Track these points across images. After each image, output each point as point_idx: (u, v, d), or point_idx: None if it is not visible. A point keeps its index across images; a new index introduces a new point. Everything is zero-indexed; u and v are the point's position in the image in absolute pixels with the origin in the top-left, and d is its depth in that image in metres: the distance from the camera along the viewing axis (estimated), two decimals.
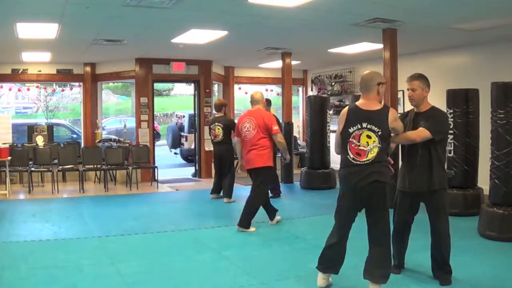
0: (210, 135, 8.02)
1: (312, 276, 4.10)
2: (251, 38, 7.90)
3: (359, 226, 3.71)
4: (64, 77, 10.63)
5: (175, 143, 14.17)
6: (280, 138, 5.92)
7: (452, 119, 6.35)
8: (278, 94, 11.88)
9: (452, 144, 6.42)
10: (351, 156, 3.57)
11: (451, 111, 6.42)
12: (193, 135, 11.41)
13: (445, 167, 4.23)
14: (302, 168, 9.38)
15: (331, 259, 3.76)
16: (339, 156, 3.76)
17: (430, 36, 7.54)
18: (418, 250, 4.29)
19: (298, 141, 12.30)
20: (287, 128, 9.47)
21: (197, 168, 10.86)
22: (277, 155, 7.36)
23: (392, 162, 3.79)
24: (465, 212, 6.22)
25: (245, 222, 5.75)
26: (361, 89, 3.71)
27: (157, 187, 9.29)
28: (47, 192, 8.64)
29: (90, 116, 10.63)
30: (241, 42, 8.26)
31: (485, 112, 6.08)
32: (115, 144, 9.83)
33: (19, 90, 18.13)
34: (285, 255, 4.82)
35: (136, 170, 9.37)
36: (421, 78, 3.88)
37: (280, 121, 9.11)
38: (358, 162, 3.54)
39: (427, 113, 3.85)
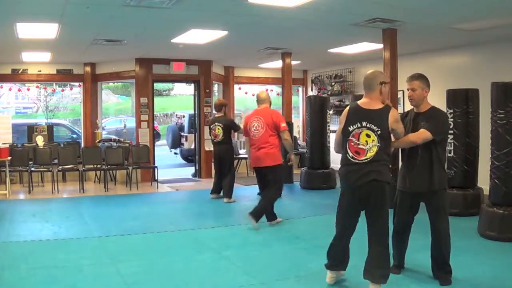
0: (210, 135, 8.02)
1: (312, 276, 4.11)
2: (251, 38, 7.90)
3: (359, 226, 3.72)
4: (64, 77, 10.63)
5: (175, 143, 14.17)
6: (287, 135, 6.02)
7: (452, 119, 6.35)
8: (278, 94, 11.88)
9: (452, 144, 6.42)
10: (350, 154, 3.59)
11: (451, 111, 6.42)
12: (193, 135, 11.41)
13: (445, 167, 4.23)
14: (302, 168, 9.39)
15: (335, 257, 3.82)
16: (339, 156, 3.77)
17: (430, 36, 7.54)
18: (418, 250, 4.29)
19: (298, 141, 12.30)
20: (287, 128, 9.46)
21: (197, 168, 10.86)
22: None
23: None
24: (465, 212, 6.22)
25: (256, 214, 5.82)
26: (364, 88, 3.72)
27: (157, 187, 9.29)
28: (47, 192, 8.64)
29: (90, 116, 10.63)
30: (241, 42, 8.26)
31: (485, 112, 6.08)
32: (115, 144, 9.83)
33: (19, 90, 18.13)
34: (285, 255, 4.82)
35: (136, 170, 9.37)
36: (421, 78, 3.88)
37: None
38: (356, 161, 3.55)
39: (427, 113, 3.85)
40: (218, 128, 7.70)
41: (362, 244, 3.73)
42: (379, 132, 3.51)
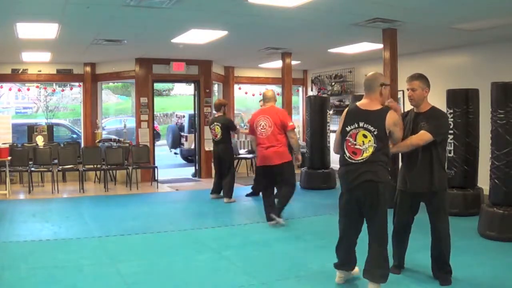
0: (211, 135, 8.06)
1: (312, 276, 4.11)
2: (251, 38, 7.90)
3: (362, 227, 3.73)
4: (64, 77, 10.62)
5: (175, 143, 14.16)
6: (294, 134, 6.12)
7: (452, 119, 6.35)
8: (278, 94, 11.82)
9: (452, 144, 6.42)
10: (348, 154, 3.63)
11: (451, 111, 6.42)
12: (193, 135, 11.40)
13: (445, 167, 4.23)
14: (302, 168, 9.38)
15: (341, 258, 3.84)
16: (338, 156, 3.78)
17: (430, 36, 7.54)
18: (418, 250, 4.29)
19: (298, 141, 12.28)
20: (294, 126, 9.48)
21: (197, 168, 10.86)
22: None
23: None
24: (465, 212, 6.22)
25: (278, 212, 6.00)
26: (364, 89, 3.75)
27: (157, 187, 9.29)
28: (47, 192, 8.64)
29: (90, 116, 10.63)
30: (241, 42, 8.26)
31: (485, 112, 6.08)
32: (115, 144, 9.83)
33: (19, 90, 18.14)
34: (285, 255, 4.82)
35: (136, 170, 9.37)
36: (421, 78, 3.88)
37: None
38: (353, 161, 3.59)
39: (427, 113, 3.85)
40: (217, 128, 7.73)
41: (362, 244, 3.75)
42: (375, 133, 3.53)
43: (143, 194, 8.71)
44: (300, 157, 6.46)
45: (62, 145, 9.94)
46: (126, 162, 9.30)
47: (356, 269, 3.88)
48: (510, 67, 7.47)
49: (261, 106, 7.91)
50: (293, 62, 10.10)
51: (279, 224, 5.92)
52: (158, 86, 22.01)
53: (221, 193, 7.86)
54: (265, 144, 6.00)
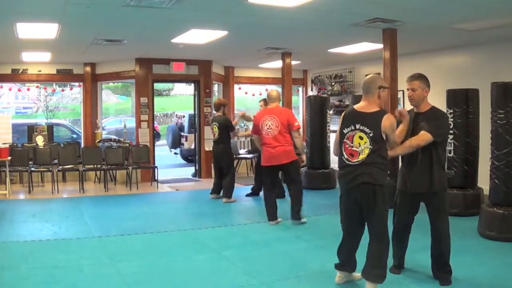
0: (211, 135, 8.08)
1: (312, 276, 4.11)
2: (251, 38, 7.90)
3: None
4: (64, 77, 10.62)
5: (175, 143, 14.16)
6: (299, 134, 6.20)
7: (452, 119, 6.34)
8: None
9: (452, 144, 6.42)
10: (345, 156, 3.66)
11: (451, 111, 6.42)
12: (193, 135, 11.40)
13: (445, 167, 4.23)
14: (302, 168, 9.38)
15: (342, 259, 3.86)
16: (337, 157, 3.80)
17: (430, 36, 7.54)
18: (418, 250, 4.29)
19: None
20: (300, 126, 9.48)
21: (197, 168, 10.86)
22: None
23: None
24: (465, 212, 6.22)
25: (297, 215, 6.07)
26: (363, 92, 3.76)
27: (157, 187, 9.29)
28: (47, 192, 8.64)
29: (90, 116, 10.63)
30: (241, 42, 8.26)
31: (485, 112, 6.08)
32: (115, 144, 9.82)
33: (19, 90, 18.13)
34: (285, 255, 4.82)
35: (136, 170, 9.37)
36: (421, 78, 3.88)
37: None
38: (350, 163, 3.61)
39: (427, 113, 3.85)
40: (215, 127, 7.75)
41: (362, 245, 3.76)
42: (371, 135, 3.54)
43: (143, 194, 8.71)
44: (304, 157, 6.50)
45: (62, 145, 9.94)
46: (126, 162, 9.29)
47: (357, 274, 3.87)
48: (510, 67, 7.47)
49: (260, 106, 7.94)
50: (293, 62, 10.10)
51: (305, 224, 6.03)
52: (158, 86, 22.02)
53: (221, 193, 7.86)
54: (273, 144, 6.03)
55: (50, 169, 8.75)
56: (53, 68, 10.32)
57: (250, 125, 7.94)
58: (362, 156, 3.55)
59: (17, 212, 6.88)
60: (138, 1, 5.26)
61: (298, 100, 13.39)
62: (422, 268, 4.13)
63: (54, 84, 11.99)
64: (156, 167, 9.75)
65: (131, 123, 11.31)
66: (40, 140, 9.46)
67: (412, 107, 3.98)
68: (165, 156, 14.35)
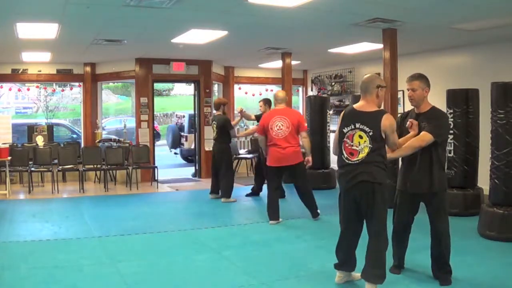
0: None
1: (312, 276, 4.11)
2: (251, 38, 7.90)
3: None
4: (64, 77, 10.62)
5: (175, 143, 14.16)
6: (307, 135, 6.27)
7: (452, 119, 6.34)
8: None
9: (452, 144, 6.42)
10: (345, 155, 3.67)
11: (451, 111, 6.42)
12: (193, 135, 11.41)
13: (445, 167, 4.23)
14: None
15: (340, 258, 3.86)
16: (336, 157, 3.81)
17: (430, 36, 7.54)
18: (418, 250, 4.29)
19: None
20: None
21: (197, 168, 10.86)
22: None
23: None
24: (465, 212, 6.22)
25: (315, 212, 6.33)
26: (361, 91, 3.78)
27: (157, 187, 9.29)
28: (47, 192, 8.64)
29: (90, 116, 10.63)
30: (241, 42, 8.26)
31: (485, 112, 6.08)
32: (115, 144, 9.82)
33: (19, 90, 18.12)
34: (285, 255, 4.82)
35: (136, 170, 9.37)
36: (421, 78, 3.88)
37: None
38: (350, 162, 3.62)
39: (427, 113, 3.85)
40: (214, 126, 7.78)
41: (362, 245, 3.76)
42: (371, 134, 3.55)
43: (143, 194, 8.71)
44: (311, 158, 6.38)
45: (62, 145, 9.93)
46: (126, 162, 9.29)
47: (357, 274, 3.87)
48: (510, 67, 7.47)
49: (260, 106, 7.92)
50: (293, 62, 10.10)
51: (320, 220, 6.24)
52: (158, 86, 22.02)
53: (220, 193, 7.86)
54: (283, 144, 6.04)
55: (50, 169, 8.75)
56: (53, 68, 10.32)
57: (250, 125, 7.96)
58: (362, 155, 3.56)
59: (17, 212, 6.88)
60: (138, 1, 5.26)
61: (298, 100, 13.38)
62: (422, 268, 4.13)
63: (54, 84, 12.00)
64: (156, 167, 9.76)
65: (131, 123, 11.32)
66: (40, 140, 9.46)
67: (412, 107, 3.98)
68: (165, 156, 14.35)
